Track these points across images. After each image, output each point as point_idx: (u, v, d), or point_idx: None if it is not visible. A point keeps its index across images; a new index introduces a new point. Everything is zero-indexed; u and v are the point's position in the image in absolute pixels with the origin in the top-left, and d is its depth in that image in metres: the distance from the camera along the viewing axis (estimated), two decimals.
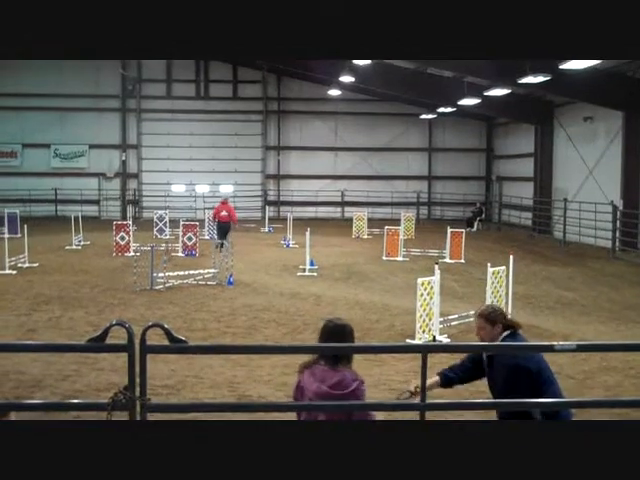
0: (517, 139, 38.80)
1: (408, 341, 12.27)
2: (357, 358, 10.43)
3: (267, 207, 39.39)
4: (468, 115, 40.56)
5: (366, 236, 31.71)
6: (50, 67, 40.72)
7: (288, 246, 27.67)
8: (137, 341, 3.85)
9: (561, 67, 21.44)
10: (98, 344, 3.77)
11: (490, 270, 13.87)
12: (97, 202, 42.26)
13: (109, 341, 4.06)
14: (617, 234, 26.11)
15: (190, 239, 24.68)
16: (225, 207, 25.93)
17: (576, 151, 31.47)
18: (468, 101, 31.01)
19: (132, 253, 23.00)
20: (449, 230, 24.33)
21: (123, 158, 42.85)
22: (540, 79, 23.61)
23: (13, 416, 4.33)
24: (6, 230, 24.94)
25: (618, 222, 26.12)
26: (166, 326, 3.85)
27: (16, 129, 41.50)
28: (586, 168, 30.43)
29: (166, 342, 4.07)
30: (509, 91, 28.94)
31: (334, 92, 38.84)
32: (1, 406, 4.37)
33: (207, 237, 28.60)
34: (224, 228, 25.37)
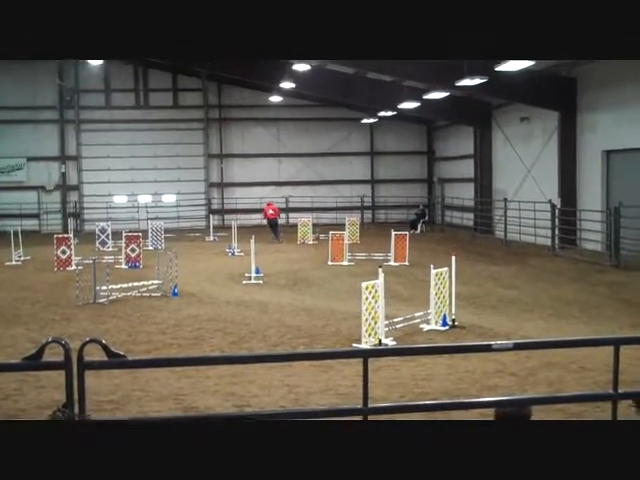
0: (457, 141, 39.39)
1: (355, 345, 12.32)
2: (304, 364, 10.54)
3: (211, 216, 39.17)
4: (408, 118, 41.00)
5: (311, 242, 31.77)
6: None
7: (233, 254, 27.56)
8: (75, 357, 3.80)
9: (497, 69, 21.85)
10: (34, 362, 3.70)
11: (433, 272, 14.04)
12: (37, 216, 41.44)
13: (49, 358, 4.00)
14: (556, 232, 26.68)
15: (133, 250, 24.39)
16: (271, 207, 32.97)
17: (514, 151, 32.10)
18: (408, 105, 31.36)
19: (74, 267, 22.62)
20: (393, 233, 24.54)
21: (63, 170, 42.11)
22: (477, 81, 24.02)
23: None
24: None
25: (557, 220, 26.69)
26: (103, 341, 3.81)
27: None
28: (524, 168, 31.06)
29: (105, 357, 4.02)
30: (448, 94, 29.37)
31: (275, 98, 38.90)
32: None
33: (151, 247, 28.31)
34: (272, 223, 32.44)
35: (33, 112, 41.29)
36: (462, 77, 23.80)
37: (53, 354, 4.19)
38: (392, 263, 23.51)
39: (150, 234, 30.14)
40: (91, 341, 3.82)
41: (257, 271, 21.00)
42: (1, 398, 9.61)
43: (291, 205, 42.57)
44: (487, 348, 4.47)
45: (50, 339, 3.74)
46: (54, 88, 41.53)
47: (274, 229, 32.34)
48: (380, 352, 5.74)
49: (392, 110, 35.87)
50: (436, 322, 13.96)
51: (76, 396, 4.01)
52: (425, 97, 29.64)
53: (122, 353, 3.83)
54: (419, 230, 36.66)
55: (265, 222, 33.85)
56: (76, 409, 3.95)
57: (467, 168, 37.24)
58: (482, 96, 32.38)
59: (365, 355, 4.41)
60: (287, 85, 32.59)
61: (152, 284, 18.62)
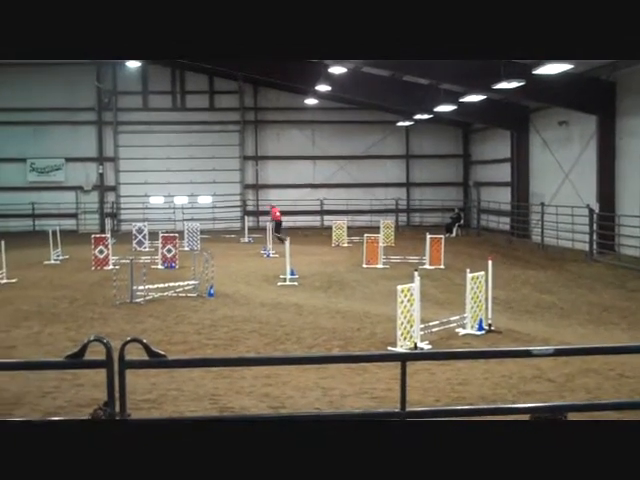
0: (494, 144, 39.08)
1: (390, 349, 12.27)
2: (339, 367, 10.52)
3: (246, 217, 39.33)
4: (445, 121, 40.81)
5: (346, 244, 31.75)
6: (25, 81, 40.61)
7: (268, 256, 27.64)
8: (116, 356, 3.84)
9: (535, 72, 21.64)
10: (76, 361, 3.75)
11: (469, 276, 13.94)
12: (75, 216, 42.00)
13: (89, 356, 4.04)
14: (594, 237, 26.32)
15: (170, 251, 24.58)
16: (276, 209, 34.15)
17: (552, 155, 31.75)
18: (444, 108, 31.21)
19: (111, 266, 22.87)
20: (428, 236, 24.42)
21: (100, 171, 42.64)
22: (514, 85, 23.82)
23: None
24: None
25: (595, 225, 26.34)
26: (144, 341, 3.84)
27: None
28: (562, 172, 30.70)
29: (145, 356, 4.05)
30: (484, 97, 29.16)
31: (311, 101, 38.95)
32: None
33: (187, 248, 28.52)
34: (279, 225, 33.33)
35: (72, 114, 41.86)
36: (499, 80, 23.61)
37: (92, 352, 4.23)
38: (427, 266, 23.38)
39: (186, 235, 30.37)
40: (132, 340, 3.85)
41: (292, 273, 21.04)
42: (40, 395, 9.74)
43: (325, 208, 42.59)
44: (527, 354, 4.42)
45: (92, 338, 3.78)
46: (92, 90, 42.09)
47: (279, 230, 33.06)
48: (418, 356, 5.70)
49: (428, 113, 35.72)
50: (472, 326, 13.85)
51: (115, 395, 4.05)
52: (462, 100, 29.47)
53: (162, 353, 3.85)
54: (454, 234, 36.45)
55: (271, 224, 32.65)
56: (116, 407, 3.99)
57: (504, 172, 36.93)
58: (519, 99, 32.10)
59: (404, 358, 4.38)
60: (323, 88, 32.61)
61: (188, 284, 18.74)
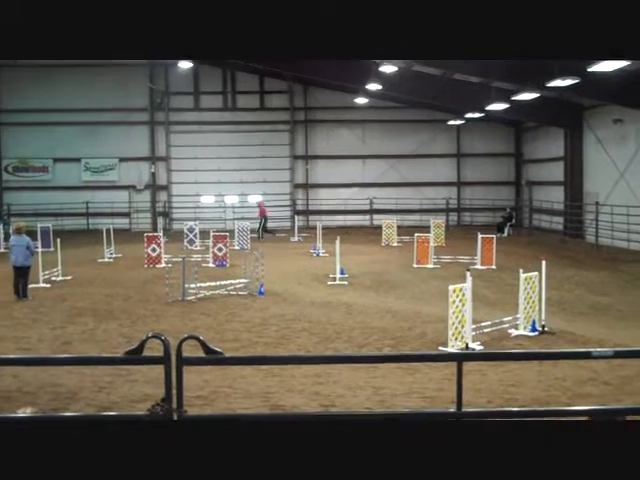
0: (546, 143, 38.48)
1: (441, 349, 12.19)
2: (390, 366, 10.48)
3: (296, 216, 39.44)
4: (496, 120, 40.33)
5: (396, 244, 31.63)
6: (80, 82, 41.40)
7: (318, 255, 27.69)
8: (173, 353, 3.88)
9: (589, 69, 21.23)
10: (136, 356, 3.80)
11: (522, 276, 13.76)
12: (128, 214, 42.63)
13: (146, 353, 4.08)
14: None
15: (220, 250, 24.79)
16: (263, 205, 36.91)
17: (606, 154, 31.14)
18: (496, 106, 30.81)
19: (163, 264, 23.17)
20: (479, 236, 24.18)
21: (152, 170, 43.21)
22: (568, 82, 23.41)
23: (29, 409, 4.38)
24: (39, 244, 25.20)
25: None
26: (201, 338, 3.87)
27: (47, 144, 42.05)
28: (617, 171, 30.10)
29: (201, 353, 4.08)
30: (537, 95, 28.73)
31: (361, 100, 38.84)
32: (42, 419, 4.42)
33: (237, 247, 28.73)
34: (266, 220, 35.75)
35: (125, 114, 42.51)
36: (553, 78, 23.23)
37: (148, 349, 4.28)
38: (478, 266, 23.16)
39: (236, 234, 30.60)
40: (190, 337, 3.88)
41: (342, 272, 21.04)
42: (95, 391, 9.91)
43: (375, 207, 42.48)
44: (587, 355, 4.33)
45: (150, 335, 3.82)
46: (145, 91, 42.69)
47: (266, 225, 35.47)
48: (475, 356, 5.64)
49: (479, 112, 35.31)
50: (525, 327, 13.67)
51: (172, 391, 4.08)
52: (514, 98, 29.05)
53: (219, 350, 3.88)
54: (506, 233, 36.02)
55: (258, 221, 36.24)
56: (173, 404, 4.03)
57: (557, 171, 36.33)
58: (573, 97, 31.54)
59: (459, 359, 4.34)
60: (373, 87, 32.51)
61: (239, 283, 18.88)
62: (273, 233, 33.70)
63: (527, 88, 27.63)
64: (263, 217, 36.07)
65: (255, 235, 33.31)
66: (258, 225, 35.72)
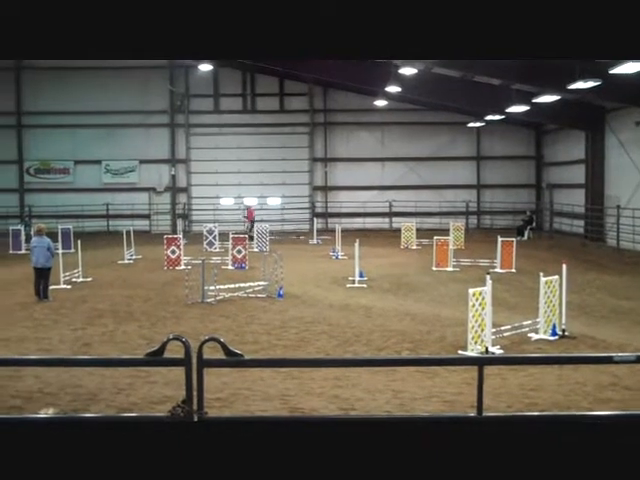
0: (567, 145, 38.23)
1: (460, 352, 12.14)
2: (409, 370, 10.45)
3: (315, 219, 39.47)
4: (517, 122, 40.16)
5: (415, 246, 31.56)
6: (101, 84, 41.69)
7: (337, 257, 27.69)
8: (194, 355, 3.89)
9: (611, 71, 21.08)
10: (157, 358, 3.81)
11: (543, 279, 13.67)
12: (148, 216, 42.87)
13: (165, 355, 4.09)
14: None
15: (239, 252, 24.86)
16: (252, 210, 38.25)
17: (628, 157, 30.88)
18: (516, 108, 30.68)
19: (183, 267, 23.26)
20: (499, 239, 24.07)
21: (172, 172, 43.41)
22: (590, 84, 23.24)
23: (51, 410, 4.42)
24: (60, 246, 25.39)
25: None
26: (222, 340, 3.87)
27: (68, 146, 42.41)
28: (639, 174, 29.84)
29: (221, 355, 4.09)
30: (558, 97, 28.57)
31: (380, 102, 38.80)
32: (63, 420, 4.44)
33: (256, 249, 28.80)
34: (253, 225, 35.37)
35: (145, 116, 42.77)
36: (574, 80, 23.08)
37: (167, 350, 4.29)
38: (498, 270, 23.04)
39: (256, 236, 30.66)
40: (210, 339, 3.89)
41: (361, 275, 21.02)
42: (115, 392, 9.95)
43: (394, 209, 42.41)
44: (608, 360, 4.29)
45: (171, 336, 3.84)
46: (165, 93, 42.92)
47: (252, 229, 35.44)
48: (496, 360, 5.60)
49: (500, 114, 35.19)
50: (545, 331, 13.58)
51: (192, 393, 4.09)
52: (535, 100, 28.91)
53: (239, 352, 3.89)
54: (526, 237, 35.83)
55: (246, 225, 37.46)
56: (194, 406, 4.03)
57: (578, 173, 36.07)
58: (595, 99, 31.32)
59: (481, 363, 4.31)
60: (393, 89, 32.46)
61: (258, 285, 18.91)
62: (251, 238, 33.59)
63: (548, 90, 27.51)
64: (251, 221, 36.61)
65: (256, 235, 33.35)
66: (246, 228, 36.40)
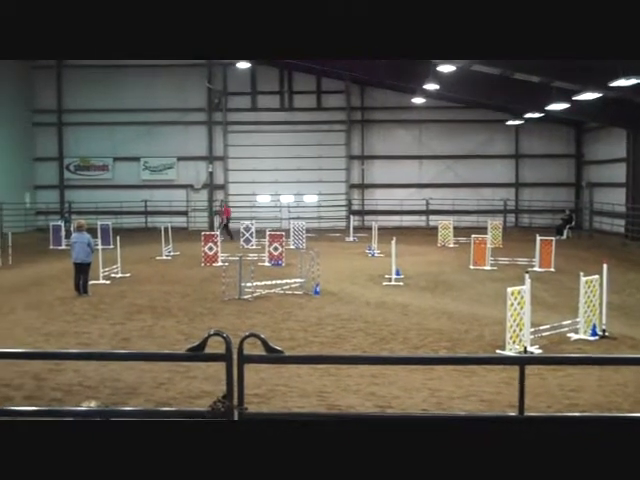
0: (608, 144, 37.67)
1: (498, 352, 12.04)
2: (447, 368, 10.39)
3: (351, 216, 39.43)
4: (556, 120, 39.67)
5: (452, 245, 31.37)
6: (139, 83, 42.17)
7: (373, 255, 27.63)
8: (234, 351, 3.91)
9: None
10: (198, 353, 3.83)
11: (583, 279, 13.49)
12: (185, 213, 43.21)
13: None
14: None
15: (276, 249, 24.93)
16: (227, 207, 38.27)
17: None
18: (556, 106, 30.28)
19: (220, 263, 23.39)
20: (538, 238, 23.81)
21: (210, 170, 43.70)
22: (632, 82, 22.87)
23: (93, 403, 4.47)
24: (99, 241, 25.71)
25: None
26: (262, 336, 3.89)
27: (108, 143, 42.94)
28: None
29: (260, 351, 4.10)
30: (600, 95, 28.13)
31: (418, 100, 38.59)
32: (104, 412, 4.50)
33: (293, 246, 28.86)
34: (229, 221, 36.24)
35: (183, 114, 43.11)
36: (616, 77, 22.72)
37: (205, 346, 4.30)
38: (537, 269, 22.79)
39: (292, 233, 30.73)
40: (251, 335, 3.91)
41: (397, 273, 20.94)
42: (154, 386, 10.05)
43: (431, 207, 42.20)
44: None
45: (212, 332, 3.86)
46: (203, 91, 43.20)
47: (228, 225, 35.94)
48: (538, 360, 5.54)
49: (539, 112, 34.79)
50: (585, 331, 13.40)
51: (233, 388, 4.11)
52: (575, 98, 28.51)
53: (280, 348, 3.89)
54: (565, 236, 35.38)
55: (221, 222, 37.20)
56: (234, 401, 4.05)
57: (618, 172, 35.52)
58: (637, 97, 30.77)
59: (521, 362, 4.26)
60: (431, 86, 32.25)
61: (294, 282, 18.95)
62: (231, 236, 33.66)
63: (589, 88, 27.09)
64: (227, 218, 36.75)
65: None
66: (219, 224, 36.89)
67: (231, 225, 35.86)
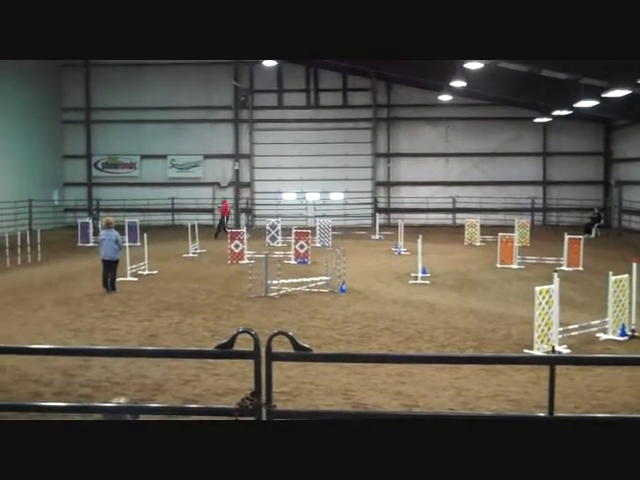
0: (638, 141, 37.21)
1: (526, 351, 11.95)
2: (473, 368, 10.32)
3: (377, 214, 39.34)
4: (585, 117, 39.26)
5: (479, 243, 31.18)
6: (166, 81, 42.41)
7: (399, 253, 27.55)
8: (263, 348, 3.91)
9: None
10: (227, 350, 3.85)
11: (612, 278, 13.34)
12: (211, 211, 43.38)
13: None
14: None
15: (302, 247, 24.94)
16: (227, 204, 36.84)
17: None
18: (585, 103, 29.97)
19: (246, 261, 23.45)
20: (566, 237, 23.59)
21: (236, 167, 43.84)
22: None
23: (122, 399, 4.50)
24: (127, 239, 25.87)
25: None
26: (290, 334, 3.89)
27: (135, 141, 43.26)
28: None
29: (287, 349, 4.10)
30: (629, 92, 27.79)
31: (445, 97, 38.38)
32: (133, 409, 4.53)
33: (318, 244, 28.86)
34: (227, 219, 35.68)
35: (210, 112, 43.29)
36: None
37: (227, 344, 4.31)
38: (565, 268, 22.57)
39: (318, 231, 30.72)
40: (279, 333, 3.91)
41: (424, 271, 20.86)
42: (180, 383, 10.11)
43: (458, 205, 41.99)
44: None
45: (241, 329, 3.87)
46: (230, 89, 43.34)
47: (226, 223, 35.37)
48: (567, 360, 5.48)
49: (567, 109, 34.44)
50: (614, 332, 13.26)
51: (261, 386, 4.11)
52: (604, 95, 28.19)
53: (308, 346, 3.89)
54: (593, 234, 35.01)
55: (218, 217, 37.11)
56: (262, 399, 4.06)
57: None
58: None
59: (551, 362, 4.22)
60: (458, 84, 32.06)
61: (320, 280, 18.95)
62: (226, 232, 32.38)
63: (618, 85, 26.77)
64: (225, 215, 36.09)
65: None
66: (218, 223, 36.06)
67: (258, 222, 35.85)
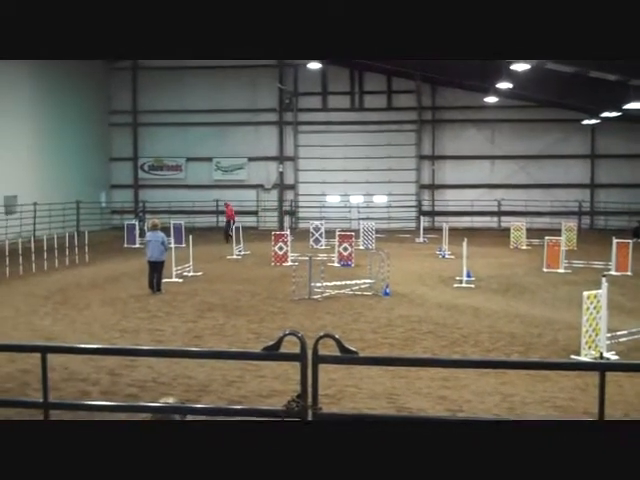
0: None
1: (573, 357, 11.77)
2: (519, 373, 10.19)
3: (422, 217, 39.15)
4: (635, 119, 38.53)
5: (524, 247, 30.83)
6: (211, 84, 42.81)
7: (444, 257, 27.36)
8: (309, 351, 3.91)
9: None
10: (273, 352, 3.86)
11: None
12: (255, 213, 43.63)
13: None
14: None
15: (346, 249, 24.93)
16: (230, 207, 35.61)
17: None
18: (635, 105, 29.43)
19: (290, 263, 23.53)
20: (614, 241, 23.18)
21: (280, 170, 44.02)
22: None
23: (171, 399, 4.54)
24: (172, 240, 26.13)
25: None
26: (337, 336, 3.88)
27: (180, 144, 43.74)
28: None
29: (330, 352, 4.09)
30: None
31: (490, 99, 38.05)
32: (181, 409, 4.57)
33: (362, 247, 28.82)
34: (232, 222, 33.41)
35: (254, 114, 43.58)
36: None
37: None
38: (613, 272, 22.17)
39: (361, 234, 30.68)
40: (325, 336, 3.90)
41: (468, 275, 20.68)
42: (225, 384, 10.18)
43: (503, 209, 41.58)
44: None
45: (287, 332, 3.87)
46: (274, 91, 43.56)
47: (231, 228, 32.50)
48: (618, 366, 5.37)
49: (616, 111, 33.86)
50: None
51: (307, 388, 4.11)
52: None
53: (354, 349, 3.88)
54: None
55: (223, 221, 36.86)
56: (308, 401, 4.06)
57: None
58: None
59: (602, 368, 4.15)
60: (504, 85, 31.76)
61: (364, 283, 18.91)
62: (226, 239, 32.35)
63: None
64: (231, 219, 34.39)
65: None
66: (225, 227, 34.98)
67: (301, 225, 35.75)
